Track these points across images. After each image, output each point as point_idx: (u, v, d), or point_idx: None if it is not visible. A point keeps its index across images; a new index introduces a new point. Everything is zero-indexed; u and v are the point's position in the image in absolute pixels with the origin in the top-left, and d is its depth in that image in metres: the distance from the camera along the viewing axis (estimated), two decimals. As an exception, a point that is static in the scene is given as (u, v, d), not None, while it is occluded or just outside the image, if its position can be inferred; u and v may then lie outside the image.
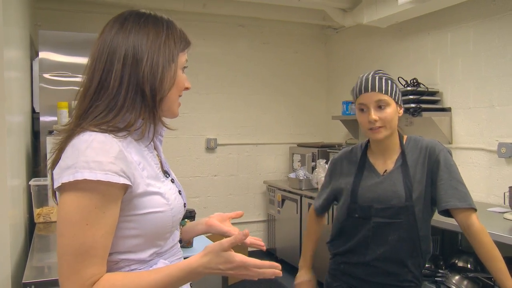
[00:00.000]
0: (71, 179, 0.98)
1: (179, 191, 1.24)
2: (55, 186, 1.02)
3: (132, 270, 1.11)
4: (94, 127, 1.05)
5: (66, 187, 1.00)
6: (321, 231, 2.10)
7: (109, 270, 1.07)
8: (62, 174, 1.00)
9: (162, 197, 1.12)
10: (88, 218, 0.99)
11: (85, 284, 0.99)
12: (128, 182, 1.03)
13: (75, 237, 0.98)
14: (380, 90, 1.74)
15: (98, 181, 0.98)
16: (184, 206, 1.26)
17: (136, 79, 1.09)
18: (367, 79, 1.77)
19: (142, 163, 1.12)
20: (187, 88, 1.20)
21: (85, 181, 0.98)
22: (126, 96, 1.08)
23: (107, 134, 1.04)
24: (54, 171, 1.05)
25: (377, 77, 1.76)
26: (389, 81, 1.77)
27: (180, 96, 1.20)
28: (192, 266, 1.04)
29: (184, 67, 1.19)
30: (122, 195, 1.04)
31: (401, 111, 1.82)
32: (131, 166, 1.06)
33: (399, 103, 1.80)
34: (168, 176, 1.23)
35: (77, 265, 0.98)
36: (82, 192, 0.99)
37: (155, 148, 1.24)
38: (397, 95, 1.78)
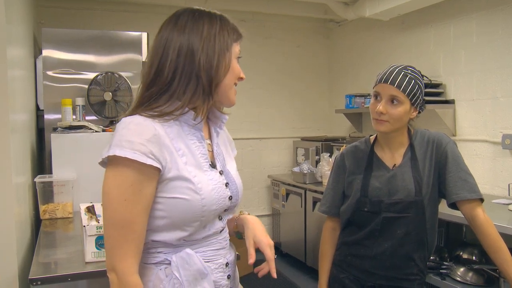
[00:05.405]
0: (105, 156, 1.09)
1: (226, 183, 1.26)
2: (98, 161, 1.14)
3: (159, 253, 1.18)
4: (144, 112, 1.14)
5: (107, 163, 1.11)
6: (334, 248, 1.96)
7: None
8: (103, 152, 1.11)
9: (193, 186, 1.15)
10: (125, 194, 1.08)
11: (128, 257, 1.08)
12: (155, 164, 1.10)
13: (116, 211, 1.08)
14: (398, 87, 1.71)
15: (128, 159, 1.06)
16: (230, 199, 1.26)
17: (191, 67, 1.16)
18: (392, 71, 1.74)
19: (183, 150, 1.17)
20: (241, 78, 1.28)
21: (115, 157, 1.07)
22: (178, 84, 1.16)
23: (147, 118, 1.13)
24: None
25: (402, 72, 1.73)
26: (413, 81, 1.73)
27: (235, 85, 1.27)
28: None
29: (239, 57, 1.28)
30: (157, 176, 1.12)
31: (415, 113, 1.79)
32: (166, 150, 1.13)
33: (415, 105, 1.77)
34: (214, 167, 1.25)
35: (120, 238, 1.08)
36: (118, 168, 1.08)
37: (210, 138, 1.30)
38: (415, 97, 1.74)
